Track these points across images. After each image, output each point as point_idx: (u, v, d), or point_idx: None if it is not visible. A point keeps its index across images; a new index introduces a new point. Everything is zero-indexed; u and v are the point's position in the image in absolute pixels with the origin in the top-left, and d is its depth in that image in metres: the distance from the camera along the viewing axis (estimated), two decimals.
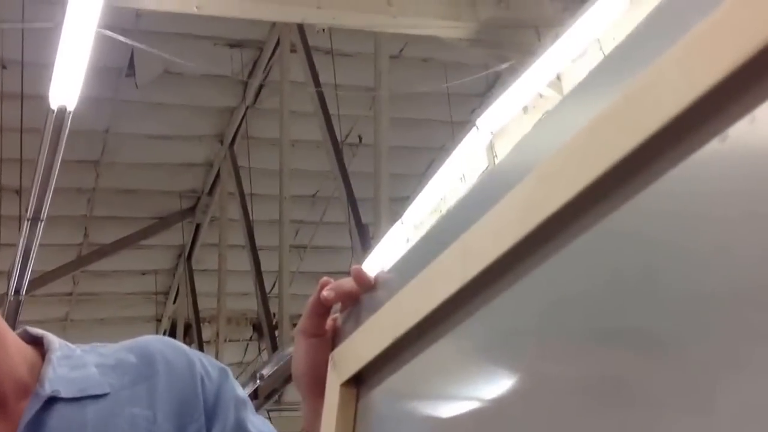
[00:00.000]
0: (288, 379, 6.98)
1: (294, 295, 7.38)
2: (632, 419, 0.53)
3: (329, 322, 0.96)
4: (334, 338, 0.95)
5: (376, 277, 0.89)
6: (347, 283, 0.92)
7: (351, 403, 0.91)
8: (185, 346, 1.22)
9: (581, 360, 0.59)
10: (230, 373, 1.21)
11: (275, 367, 6.86)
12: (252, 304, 8.26)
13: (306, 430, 1.00)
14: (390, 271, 0.88)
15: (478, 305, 0.70)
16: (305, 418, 1.00)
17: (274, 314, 7.65)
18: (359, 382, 0.91)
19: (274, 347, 7.37)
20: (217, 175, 8.66)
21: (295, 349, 0.98)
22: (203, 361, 1.18)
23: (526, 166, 0.61)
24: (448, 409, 0.79)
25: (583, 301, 0.59)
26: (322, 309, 0.95)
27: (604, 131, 0.52)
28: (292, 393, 7.57)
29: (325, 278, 0.97)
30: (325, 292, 0.93)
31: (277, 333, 7.51)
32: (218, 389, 1.15)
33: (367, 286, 0.90)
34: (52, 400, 1.03)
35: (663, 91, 0.47)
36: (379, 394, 0.88)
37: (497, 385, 0.70)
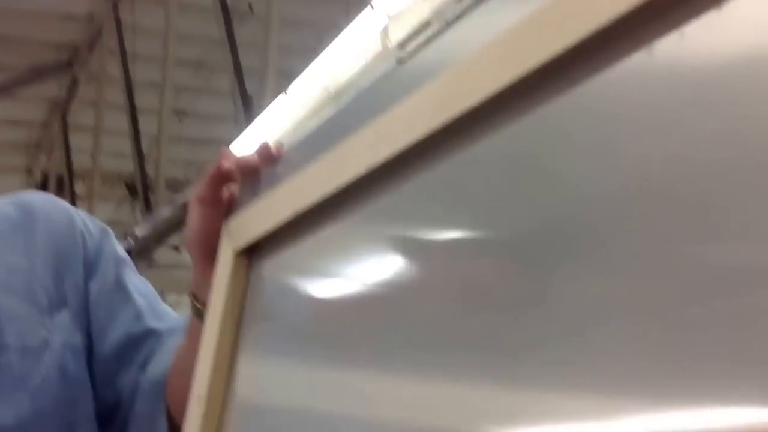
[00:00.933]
0: (160, 241, 6.95)
1: (171, 159, 7.29)
2: (526, 313, 0.55)
3: (226, 192, 0.96)
4: (230, 208, 0.96)
5: (280, 153, 0.90)
6: (249, 155, 0.92)
7: (242, 272, 0.92)
8: (66, 203, 1.21)
9: (482, 254, 0.61)
10: (111, 232, 1.21)
11: (149, 229, 6.82)
12: (127, 165, 8.12)
13: (194, 294, 1.01)
14: (295, 148, 0.89)
15: (384, 191, 0.71)
16: (194, 282, 1.01)
17: (150, 176, 7.56)
18: (252, 252, 0.92)
19: (148, 209, 7.30)
20: (99, 31, 8.37)
21: (190, 217, 0.98)
22: (84, 218, 1.17)
23: (448, 57, 0.62)
24: (339, 287, 0.81)
25: (491, 196, 0.60)
26: (221, 179, 0.95)
27: (532, 32, 0.53)
28: (165, 254, 7.55)
29: (226, 149, 0.97)
30: (225, 163, 0.93)
31: (151, 195, 7.43)
32: (99, 246, 1.15)
33: (270, 161, 0.90)
34: None
35: None
36: (272, 265, 0.90)
37: (395, 270, 0.71)
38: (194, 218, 0.97)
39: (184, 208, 6.07)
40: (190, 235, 0.98)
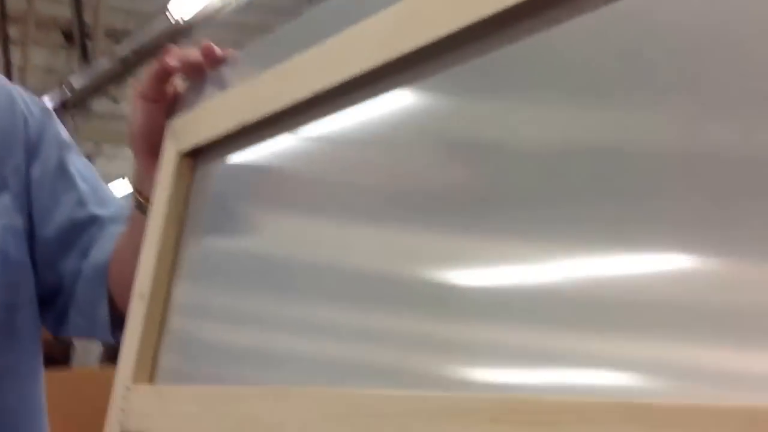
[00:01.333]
0: (97, 92, 6.81)
1: (111, 7, 7.08)
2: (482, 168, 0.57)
3: (170, 87, 0.95)
4: (174, 105, 0.95)
5: (227, 56, 0.89)
6: (194, 54, 0.91)
7: (187, 173, 0.92)
8: (7, 81, 1.18)
9: (427, 181, 0.62)
10: (54, 115, 1.19)
11: (86, 80, 6.67)
12: (64, 10, 7.87)
13: (136, 189, 1.01)
14: (243, 54, 0.88)
15: (331, 109, 0.71)
16: (136, 176, 1.00)
17: (88, 24, 7.35)
18: (197, 153, 0.91)
19: (85, 58, 7.13)
20: None
21: (133, 112, 0.97)
22: (26, 99, 1.15)
23: None
24: (281, 196, 0.81)
25: (435, 120, 0.61)
26: (165, 75, 0.94)
27: None
28: (102, 104, 7.41)
29: (170, 46, 0.95)
30: (169, 60, 0.92)
31: (89, 43, 7.24)
32: (41, 128, 1.14)
33: (215, 62, 0.89)
34: None
35: None
36: (218, 169, 0.89)
37: (336, 186, 0.72)
38: (137, 114, 0.96)
39: (124, 61, 5.96)
40: (132, 131, 0.98)
